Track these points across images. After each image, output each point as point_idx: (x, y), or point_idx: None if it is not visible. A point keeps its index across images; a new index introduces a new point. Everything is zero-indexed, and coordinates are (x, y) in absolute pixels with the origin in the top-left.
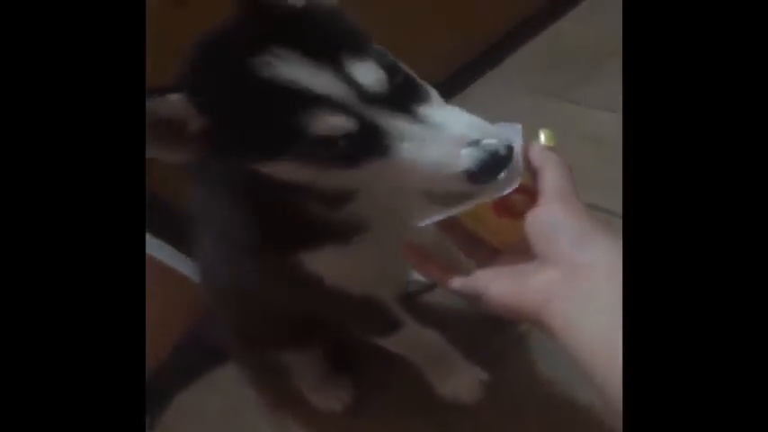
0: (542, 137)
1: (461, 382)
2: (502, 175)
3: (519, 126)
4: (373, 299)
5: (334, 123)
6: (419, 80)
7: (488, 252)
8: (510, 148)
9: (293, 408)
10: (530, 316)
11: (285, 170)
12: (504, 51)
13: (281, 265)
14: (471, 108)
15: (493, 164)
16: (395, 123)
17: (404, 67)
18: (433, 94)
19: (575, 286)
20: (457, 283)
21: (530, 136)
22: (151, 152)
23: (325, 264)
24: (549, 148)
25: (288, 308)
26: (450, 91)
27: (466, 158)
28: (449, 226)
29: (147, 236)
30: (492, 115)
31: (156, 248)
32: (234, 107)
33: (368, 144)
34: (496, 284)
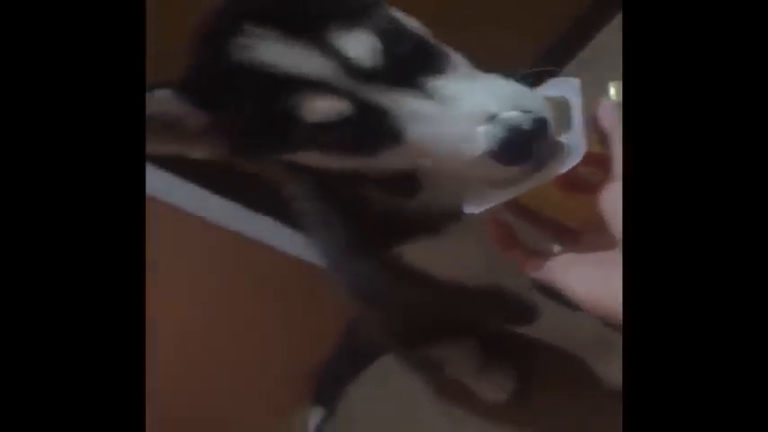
0: (612, 91)
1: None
2: (540, 151)
3: (576, 81)
4: (497, 289)
5: (322, 107)
6: (438, 45)
7: (571, 233)
8: (540, 121)
9: (460, 395)
10: (617, 318)
11: (313, 159)
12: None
13: (382, 262)
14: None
15: (516, 142)
16: (399, 102)
17: (419, 31)
18: (457, 60)
19: None
20: (537, 270)
21: (595, 92)
22: (150, 147)
23: (424, 256)
24: (620, 105)
25: (419, 305)
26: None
27: (483, 138)
28: (519, 210)
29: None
30: None
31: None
32: (223, 99)
33: (373, 128)
34: (576, 276)
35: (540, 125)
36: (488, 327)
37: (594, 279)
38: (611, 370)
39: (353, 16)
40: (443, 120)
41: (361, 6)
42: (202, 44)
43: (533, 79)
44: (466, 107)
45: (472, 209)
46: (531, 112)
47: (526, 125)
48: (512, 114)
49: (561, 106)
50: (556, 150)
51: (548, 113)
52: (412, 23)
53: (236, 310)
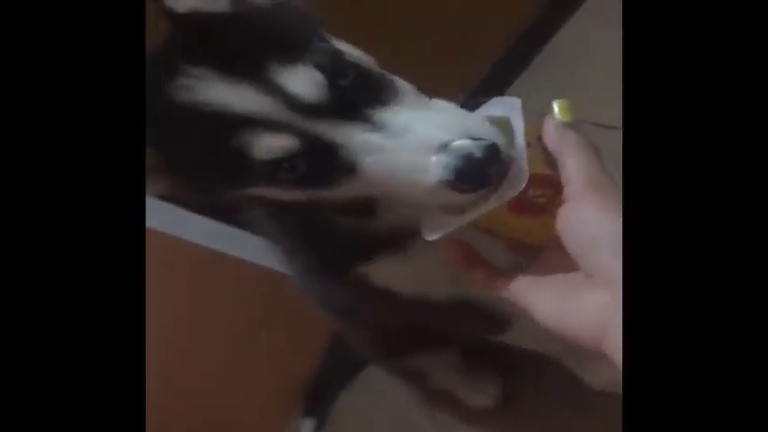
0: (556, 109)
1: (604, 368)
2: (494, 176)
3: (517, 100)
4: (465, 302)
5: (269, 145)
6: (383, 74)
7: (531, 249)
8: (489, 147)
9: (447, 402)
10: (589, 347)
11: (266, 193)
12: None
13: (347, 283)
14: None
15: (470, 169)
16: (348, 135)
17: (363, 61)
18: (405, 89)
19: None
20: (501, 290)
21: (537, 110)
22: None
23: (388, 274)
24: (566, 125)
25: (391, 320)
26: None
27: (436, 168)
28: (477, 232)
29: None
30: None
31: None
32: (168, 139)
33: (324, 162)
34: (544, 302)
35: (492, 151)
36: (468, 336)
37: (559, 303)
38: (591, 372)
39: (293, 51)
40: (395, 151)
41: (301, 40)
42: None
43: (475, 103)
44: (416, 137)
45: (430, 235)
46: (481, 138)
47: (478, 152)
48: (463, 143)
49: (503, 126)
50: (507, 172)
51: (497, 138)
52: (354, 53)
53: (223, 325)
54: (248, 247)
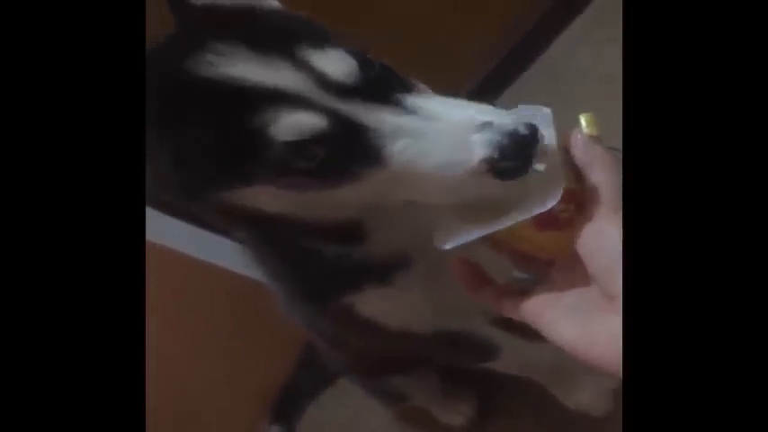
0: (583, 123)
1: (587, 393)
2: (536, 165)
3: (548, 110)
4: (449, 332)
5: (297, 122)
6: (401, 75)
7: (543, 264)
8: (532, 127)
9: (418, 418)
10: (605, 370)
11: (263, 198)
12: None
13: (333, 312)
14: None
15: (516, 146)
16: (380, 117)
17: (378, 61)
18: (423, 86)
19: None
20: (512, 310)
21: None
22: None
23: (373, 306)
24: (593, 138)
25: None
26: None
27: (479, 145)
28: (493, 242)
29: None
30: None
31: None
32: (180, 121)
33: (351, 147)
34: (562, 325)
35: (534, 131)
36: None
37: (580, 327)
38: (571, 394)
39: (322, 36)
40: (431, 133)
41: (327, 33)
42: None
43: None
44: (454, 120)
45: (444, 244)
46: (527, 118)
47: (523, 129)
48: (506, 120)
49: None
50: (550, 185)
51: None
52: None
53: (196, 329)
54: (225, 254)
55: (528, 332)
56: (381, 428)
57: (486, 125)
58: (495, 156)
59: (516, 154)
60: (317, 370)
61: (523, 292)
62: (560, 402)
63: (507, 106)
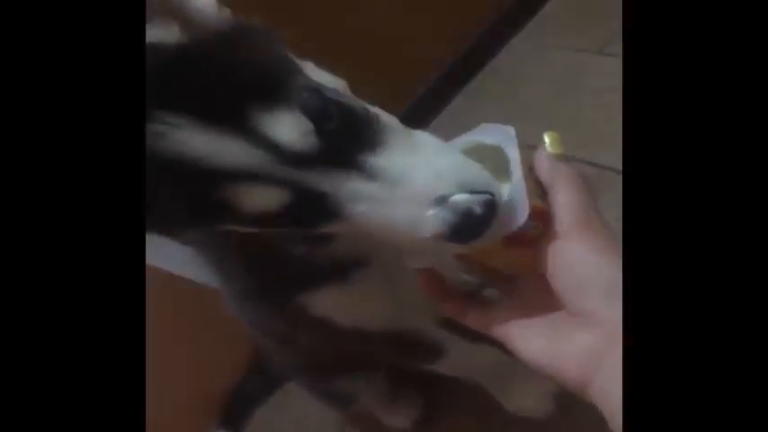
0: (547, 141)
1: (529, 395)
2: (487, 232)
3: (511, 129)
4: (401, 333)
5: (260, 200)
6: (368, 112)
7: (510, 279)
8: (489, 204)
9: (365, 422)
10: (574, 388)
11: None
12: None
13: (287, 311)
14: (502, 70)
15: (467, 226)
16: (340, 185)
17: (342, 96)
18: (390, 127)
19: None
20: (478, 323)
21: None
22: None
23: (330, 304)
24: (557, 156)
25: (321, 345)
26: (479, 59)
27: (433, 222)
28: (461, 257)
29: None
30: (524, 76)
31: None
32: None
33: (316, 210)
34: (528, 339)
35: (491, 206)
36: (399, 364)
37: (546, 341)
38: (510, 395)
39: (273, 91)
40: (390, 201)
41: (280, 76)
42: None
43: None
44: (412, 188)
45: (411, 263)
46: (479, 192)
47: (477, 208)
48: (461, 198)
49: (496, 156)
50: (509, 218)
51: (494, 187)
52: (330, 82)
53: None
54: (174, 259)
55: (472, 335)
56: None
57: (441, 200)
58: (447, 233)
59: (468, 233)
60: (265, 373)
61: (486, 303)
62: (500, 403)
63: (461, 112)
